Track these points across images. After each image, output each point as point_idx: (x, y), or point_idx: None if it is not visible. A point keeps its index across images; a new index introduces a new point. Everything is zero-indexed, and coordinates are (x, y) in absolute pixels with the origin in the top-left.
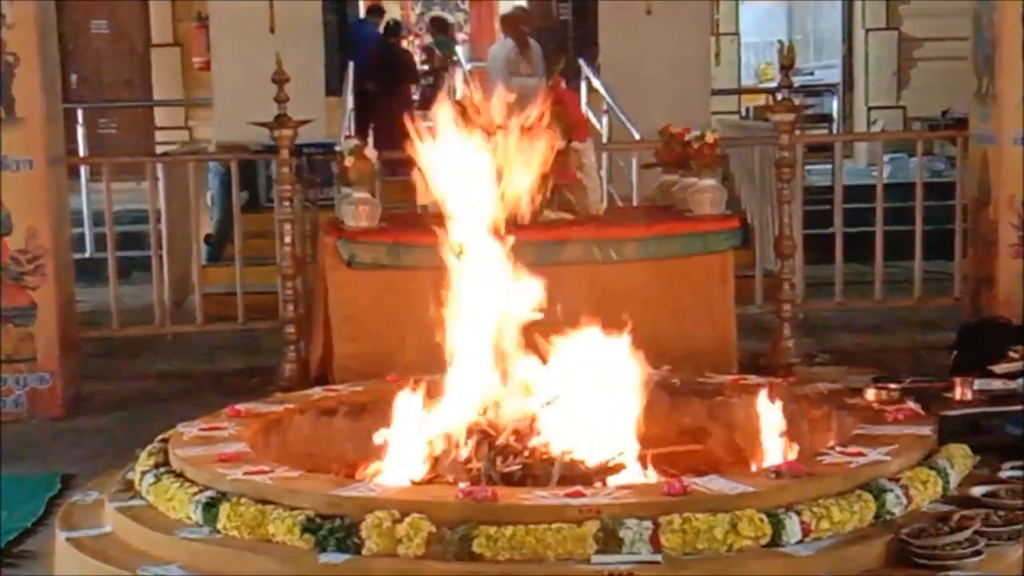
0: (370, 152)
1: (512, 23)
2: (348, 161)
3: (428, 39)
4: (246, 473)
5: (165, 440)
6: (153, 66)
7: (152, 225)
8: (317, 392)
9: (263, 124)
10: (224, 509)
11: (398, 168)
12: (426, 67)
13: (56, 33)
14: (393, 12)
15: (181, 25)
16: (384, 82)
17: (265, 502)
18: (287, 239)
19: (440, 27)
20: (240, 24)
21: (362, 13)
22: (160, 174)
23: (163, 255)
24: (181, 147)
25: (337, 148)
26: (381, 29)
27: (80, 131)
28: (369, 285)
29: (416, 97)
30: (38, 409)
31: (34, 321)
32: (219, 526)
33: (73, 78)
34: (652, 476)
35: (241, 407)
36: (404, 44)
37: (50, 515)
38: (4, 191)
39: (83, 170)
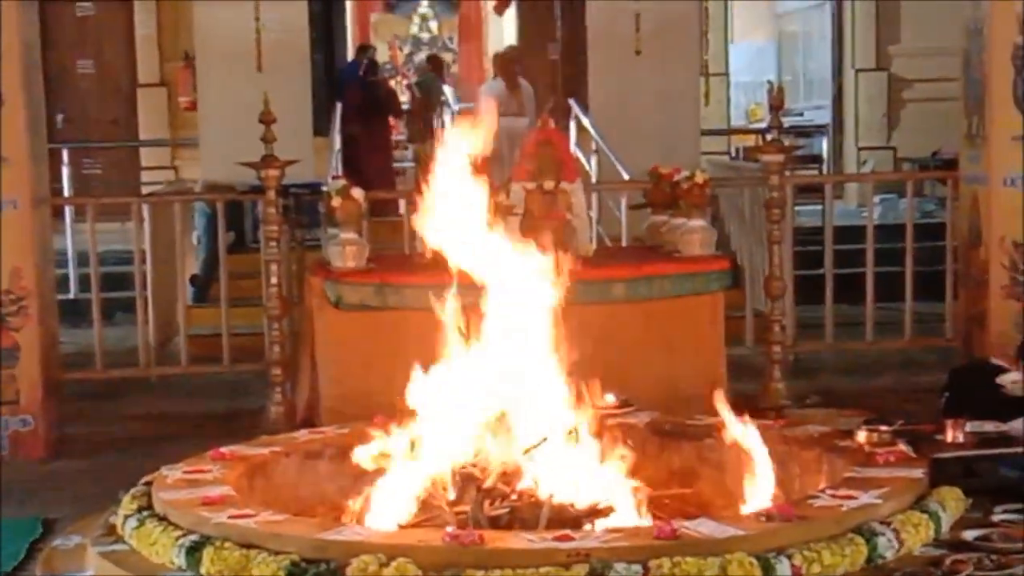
0: (357, 193)
1: (504, 63)
2: (335, 201)
3: (415, 78)
4: (231, 517)
5: (149, 483)
6: (139, 106)
7: (137, 266)
8: (303, 435)
9: (250, 164)
10: (208, 553)
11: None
12: (407, 106)
13: (41, 73)
14: (382, 53)
15: (167, 65)
16: (367, 121)
17: (250, 546)
18: (273, 280)
19: (434, 65)
20: (227, 64)
21: (350, 54)
22: (145, 214)
23: (148, 296)
24: (167, 187)
25: (324, 188)
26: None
27: (65, 171)
28: (356, 327)
29: (399, 137)
30: (20, 451)
31: (17, 363)
32: (203, 571)
33: (59, 118)
34: (642, 519)
35: (226, 450)
36: (392, 83)
37: (31, 560)
38: None
39: (68, 210)
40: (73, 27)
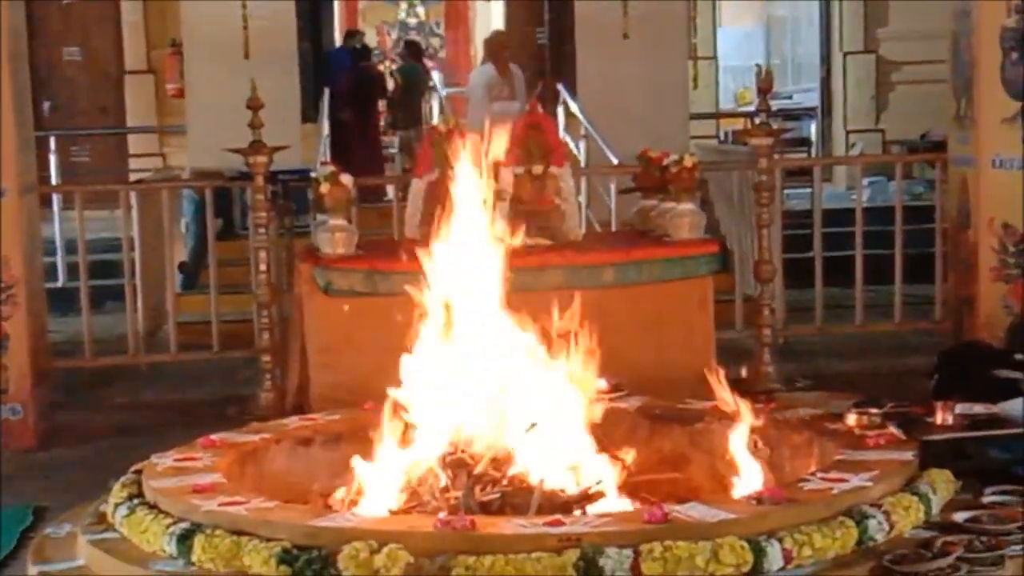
0: (346, 179)
1: (494, 47)
2: (324, 188)
3: (399, 63)
4: (221, 504)
5: (139, 471)
6: (127, 93)
7: (125, 253)
8: (293, 421)
9: (238, 151)
10: (199, 541)
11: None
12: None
13: (28, 61)
14: (369, 38)
15: (155, 52)
16: (357, 107)
17: (240, 533)
18: (262, 267)
19: (413, 52)
20: (214, 50)
21: (338, 40)
22: (133, 202)
23: (137, 284)
24: (155, 174)
25: (313, 174)
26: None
27: (53, 159)
28: (346, 313)
29: (384, 122)
30: (10, 441)
31: (6, 352)
32: (194, 558)
33: (46, 106)
34: (632, 504)
35: (216, 437)
36: (380, 67)
37: (22, 548)
38: None
39: (55, 198)
40: (59, 14)
